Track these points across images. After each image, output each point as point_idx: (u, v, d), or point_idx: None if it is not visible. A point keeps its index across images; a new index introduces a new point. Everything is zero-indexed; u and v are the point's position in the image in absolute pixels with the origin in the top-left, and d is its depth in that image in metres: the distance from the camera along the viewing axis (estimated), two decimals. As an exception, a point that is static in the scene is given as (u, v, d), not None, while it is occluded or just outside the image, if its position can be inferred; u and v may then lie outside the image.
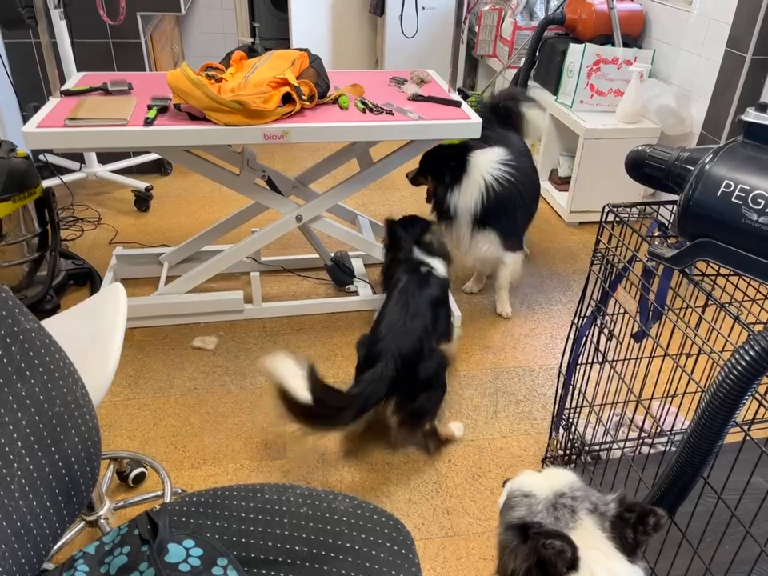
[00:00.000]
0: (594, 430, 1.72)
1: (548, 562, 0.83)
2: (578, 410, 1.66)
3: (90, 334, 1.26)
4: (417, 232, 2.06)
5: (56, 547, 1.47)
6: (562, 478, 0.98)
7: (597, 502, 0.94)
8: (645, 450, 1.65)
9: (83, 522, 1.51)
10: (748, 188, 1.03)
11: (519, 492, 0.97)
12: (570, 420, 1.69)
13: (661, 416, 1.83)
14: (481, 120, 2.11)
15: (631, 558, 0.89)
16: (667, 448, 1.36)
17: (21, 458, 0.82)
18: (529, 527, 0.87)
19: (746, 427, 1.06)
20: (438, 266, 2.02)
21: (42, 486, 0.85)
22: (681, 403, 1.61)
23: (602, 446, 1.71)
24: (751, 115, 1.10)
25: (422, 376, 1.76)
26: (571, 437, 1.69)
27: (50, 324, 1.32)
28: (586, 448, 1.71)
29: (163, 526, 0.91)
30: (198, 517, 0.95)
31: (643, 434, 1.74)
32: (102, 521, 1.50)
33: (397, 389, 1.71)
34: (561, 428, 1.72)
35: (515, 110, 2.53)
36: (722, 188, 1.05)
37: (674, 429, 1.74)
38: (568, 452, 1.72)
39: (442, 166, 2.31)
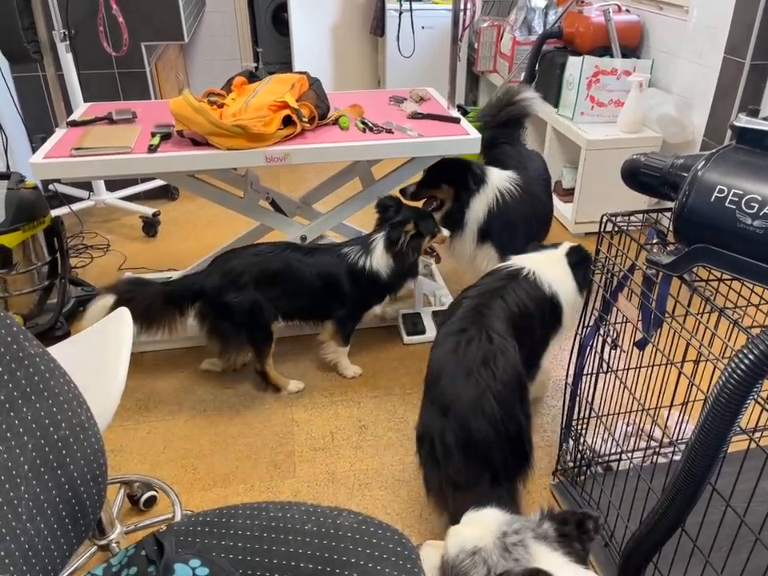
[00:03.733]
0: (603, 440, 1.71)
1: None
2: (586, 420, 1.65)
3: (97, 359, 1.28)
4: (396, 223, 2.06)
5: (68, 572, 1.48)
6: (493, 519, 0.94)
7: (534, 528, 0.91)
8: (656, 459, 1.64)
9: (95, 547, 1.52)
10: (741, 192, 1.03)
11: (464, 553, 0.91)
12: (579, 431, 1.68)
13: (672, 424, 1.82)
14: (479, 135, 2.13)
15: (586, 566, 0.89)
16: (676, 457, 1.36)
17: (27, 480, 0.83)
18: None
19: (751, 433, 1.06)
20: (380, 263, 2.03)
21: (49, 509, 0.86)
22: (691, 410, 1.60)
23: (611, 457, 1.70)
24: (743, 120, 1.11)
25: (220, 302, 1.96)
26: (580, 448, 1.68)
27: (57, 350, 1.34)
28: (597, 459, 1.70)
29: (169, 546, 0.91)
30: (204, 536, 0.95)
31: (654, 443, 1.73)
32: (114, 545, 1.51)
33: (202, 299, 1.98)
34: (570, 439, 1.71)
35: (522, 112, 2.50)
36: (715, 193, 1.06)
37: (686, 437, 1.73)
38: (578, 464, 1.71)
39: (463, 175, 2.26)
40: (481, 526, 0.94)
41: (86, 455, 0.92)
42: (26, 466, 0.83)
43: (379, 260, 2.05)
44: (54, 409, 0.87)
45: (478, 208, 2.28)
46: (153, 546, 0.92)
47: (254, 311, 1.99)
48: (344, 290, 2.07)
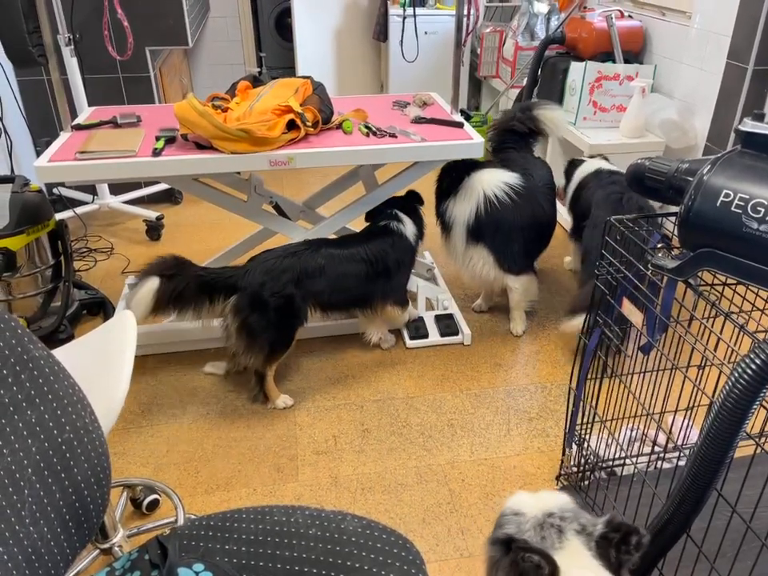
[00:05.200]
0: (607, 445, 1.70)
1: None
2: (590, 425, 1.65)
3: (100, 362, 1.28)
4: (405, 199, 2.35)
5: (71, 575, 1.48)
6: (555, 500, 0.98)
7: (586, 524, 0.93)
8: (661, 464, 1.63)
9: (97, 550, 1.51)
10: (747, 197, 1.03)
11: (510, 510, 0.97)
12: (583, 436, 1.67)
13: (677, 429, 1.81)
14: (483, 140, 2.13)
15: None
16: (681, 462, 1.35)
17: (31, 484, 0.83)
18: (513, 541, 0.87)
19: (757, 438, 1.05)
20: (408, 229, 2.27)
21: (53, 512, 0.86)
22: (696, 415, 1.59)
23: (615, 462, 1.69)
24: (748, 125, 1.11)
25: (259, 298, 1.96)
26: (584, 453, 1.68)
27: (61, 352, 1.34)
28: (600, 464, 1.69)
29: (173, 551, 0.91)
30: (208, 540, 0.95)
31: (658, 448, 1.72)
32: (116, 548, 1.50)
33: (241, 293, 1.97)
34: (573, 444, 1.71)
35: (530, 119, 2.51)
36: (721, 197, 1.06)
37: (691, 442, 1.72)
38: (582, 469, 1.70)
39: (443, 175, 2.36)
40: (540, 499, 0.99)
41: (89, 458, 0.91)
42: (29, 469, 0.82)
43: (408, 227, 2.27)
44: (59, 412, 0.87)
45: (462, 207, 2.29)
46: (156, 550, 0.92)
47: (290, 311, 2.01)
48: (389, 265, 2.18)
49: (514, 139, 2.52)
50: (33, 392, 0.84)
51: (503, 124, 2.56)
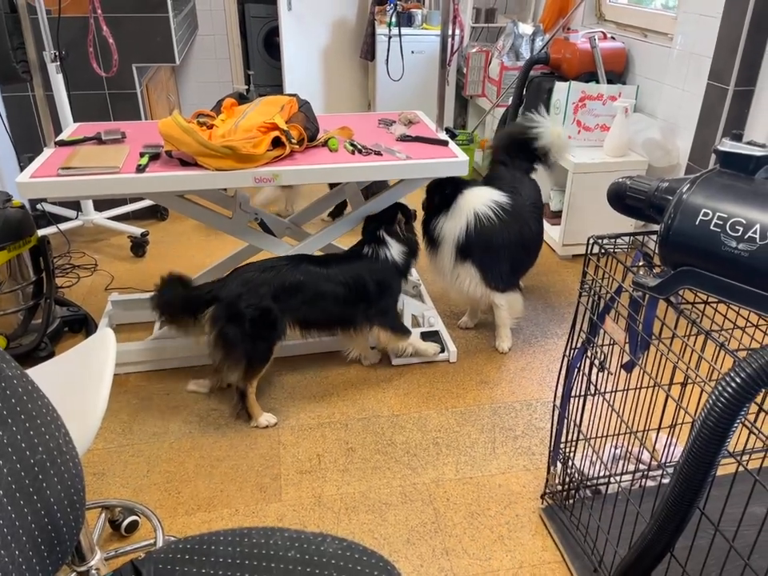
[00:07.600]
0: (592, 463, 1.70)
1: None
2: (574, 443, 1.64)
3: (79, 380, 1.26)
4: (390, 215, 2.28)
5: (45, 600, 1.44)
6: None
7: None
8: (645, 482, 1.63)
9: (74, 573, 1.48)
10: (726, 216, 1.04)
11: None
12: (567, 454, 1.67)
13: (660, 447, 1.81)
14: (467, 158, 2.14)
15: None
16: (665, 480, 1.35)
17: (2, 506, 0.81)
18: None
19: (739, 457, 1.05)
20: (394, 251, 2.24)
21: (24, 535, 0.84)
22: (679, 433, 1.59)
23: (599, 480, 1.68)
24: (727, 145, 1.12)
25: (235, 309, 1.97)
26: (569, 471, 1.67)
27: (39, 370, 1.32)
28: (585, 482, 1.69)
29: (147, 575, 0.89)
30: (184, 564, 0.93)
31: (642, 466, 1.72)
32: (93, 571, 1.47)
33: (218, 304, 1.99)
34: (558, 462, 1.70)
35: (531, 141, 2.54)
36: (700, 216, 1.07)
37: (674, 459, 1.72)
38: (567, 487, 1.69)
39: (436, 191, 2.36)
40: None
41: (63, 480, 0.89)
42: (0, 492, 0.80)
43: (393, 249, 2.24)
44: (31, 432, 0.85)
45: (452, 224, 2.30)
46: (130, 575, 0.90)
47: (267, 324, 2.00)
48: (368, 289, 2.15)
49: (509, 156, 2.55)
50: (5, 412, 0.82)
51: (515, 136, 2.58)
